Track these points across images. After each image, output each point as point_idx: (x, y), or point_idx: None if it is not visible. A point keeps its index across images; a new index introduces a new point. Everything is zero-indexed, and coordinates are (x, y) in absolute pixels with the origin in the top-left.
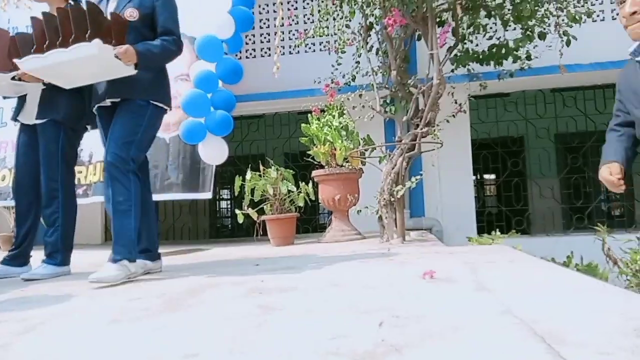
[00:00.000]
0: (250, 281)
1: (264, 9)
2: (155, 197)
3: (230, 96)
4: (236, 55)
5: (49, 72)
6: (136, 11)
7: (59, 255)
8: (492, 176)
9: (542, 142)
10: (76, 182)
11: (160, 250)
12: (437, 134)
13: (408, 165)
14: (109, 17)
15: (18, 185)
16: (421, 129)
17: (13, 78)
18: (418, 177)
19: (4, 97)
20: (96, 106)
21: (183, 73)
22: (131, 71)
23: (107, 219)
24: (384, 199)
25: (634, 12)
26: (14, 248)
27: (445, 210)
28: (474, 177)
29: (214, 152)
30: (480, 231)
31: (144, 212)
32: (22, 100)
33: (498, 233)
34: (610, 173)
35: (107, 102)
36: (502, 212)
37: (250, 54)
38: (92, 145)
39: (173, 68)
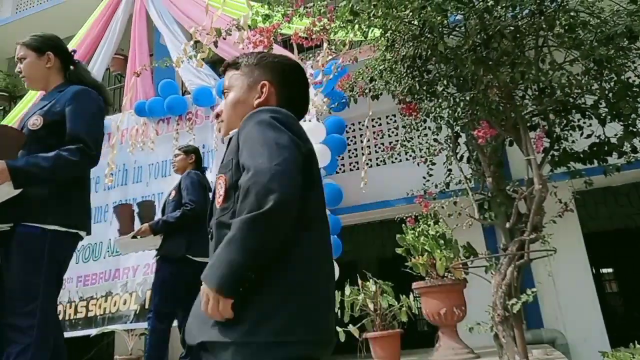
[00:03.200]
0: None
1: (350, 127)
2: None
3: (336, 220)
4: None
5: None
6: (40, 119)
7: None
8: (610, 270)
9: None
10: None
11: None
12: (548, 240)
13: (519, 275)
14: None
15: None
16: (528, 235)
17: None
18: (534, 289)
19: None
20: None
21: None
22: (11, 192)
23: None
24: (498, 314)
25: (217, 115)
26: None
27: (567, 318)
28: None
29: None
30: (611, 339)
31: None
32: None
33: (638, 345)
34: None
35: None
36: (630, 311)
37: (340, 169)
38: None
39: None
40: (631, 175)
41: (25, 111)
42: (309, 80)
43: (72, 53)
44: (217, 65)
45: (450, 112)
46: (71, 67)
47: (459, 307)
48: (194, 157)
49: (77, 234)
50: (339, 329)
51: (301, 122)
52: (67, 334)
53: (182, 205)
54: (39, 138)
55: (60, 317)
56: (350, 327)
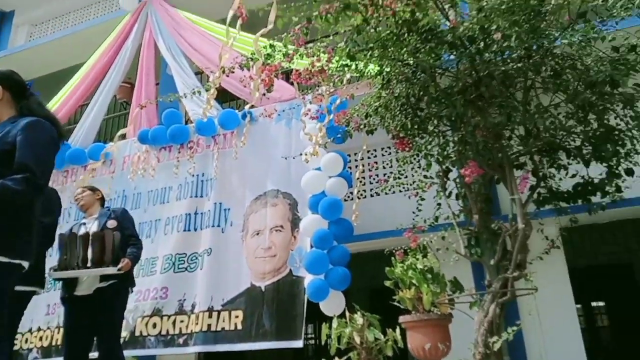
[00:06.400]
0: None
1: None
2: (250, 345)
3: (345, 251)
4: None
5: None
6: None
7: None
8: (601, 303)
9: None
10: (177, 331)
11: None
12: (531, 278)
13: (502, 312)
14: None
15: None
16: (511, 273)
17: None
18: (515, 327)
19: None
20: None
21: (277, 224)
22: None
23: None
24: (479, 352)
25: None
26: None
27: (552, 356)
28: (578, 306)
29: (333, 305)
30: None
31: None
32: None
33: None
34: None
35: None
36: (620, 344)
37: None
38: (197, 294)
39: (269, 220)
40: (616, 213)
41: None
42: (309, 114)
43: (27, 86)
44: (221, 96)
45: (440, 150)
46: (24, 100)
47: (443, 343)
48: (100, 194)
49: (17, 264)
50: None
51: (316, 157)
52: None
53: (129, 238)
54: None
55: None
56: None
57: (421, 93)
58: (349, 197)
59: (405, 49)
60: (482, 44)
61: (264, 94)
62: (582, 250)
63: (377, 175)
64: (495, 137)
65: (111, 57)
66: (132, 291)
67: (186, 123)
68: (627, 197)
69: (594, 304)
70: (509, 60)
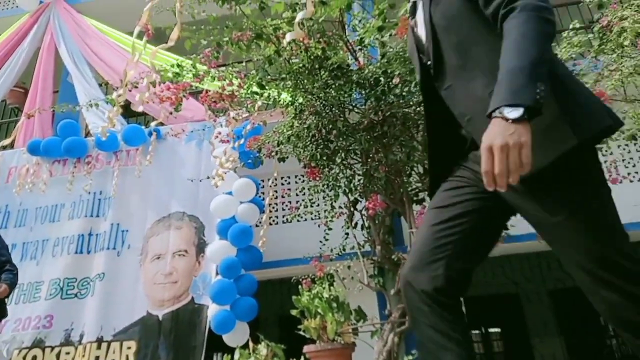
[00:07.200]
0: None
1: (259, 184)
2: None
3: (253, 280)
4: None
5: None
6: None
7: None
8: (498, 330)
9: (536, 301)
10: None
11: None
12: None
13: (400, 342)
14: None
15: None
16: None
17: None
18: (410, 356)
19: None
20: None
21: (181, 249)
22: None
23: None
24: None
25: None
26: None
27: None
28: (477, 332)
29: (237, 335)
30: None
31: None
32: None
33: None
34: None
35: None
36: None
37: None
38: (86, 323)
39: (172, 244)
40: (504, 248)
41: None
42: (220, 137)
43: None
44: (128, 110)
45: (347, 182)
46: None
47: None
48: None
49: None
50: None
51: (227, 181)
52: None
53: (3, 264)
54: None
55: None
56: None
57: (330, 126)
58: (258, 222)
59: (316, 83)
60: (385, 86)
61: (171, 113)
62: (476, 281)
63: (290, 203)
64: (397, 173)
65: (2, 57)
66: (1, 322)
67: (86, 136)
68: (513, 234)
69: (491, 330)
70: (411, 103)
